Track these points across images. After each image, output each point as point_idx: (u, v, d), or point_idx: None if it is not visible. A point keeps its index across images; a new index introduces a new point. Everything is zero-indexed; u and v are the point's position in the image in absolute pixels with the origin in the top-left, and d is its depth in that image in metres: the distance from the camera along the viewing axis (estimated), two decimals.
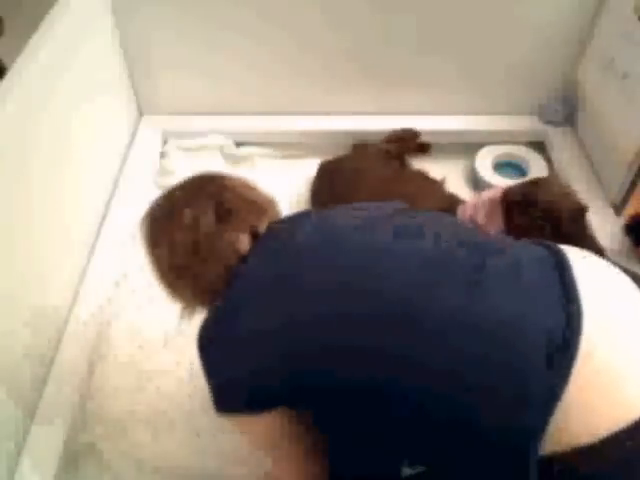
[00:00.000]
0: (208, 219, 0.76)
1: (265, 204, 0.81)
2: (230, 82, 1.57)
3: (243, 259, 0.75)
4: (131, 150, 1.56)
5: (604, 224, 1.31)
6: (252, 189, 0.83)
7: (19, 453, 0.97)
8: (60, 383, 1.06)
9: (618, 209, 1.35)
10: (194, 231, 0.75)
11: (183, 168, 1.54)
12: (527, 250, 0.70)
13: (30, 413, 1.02)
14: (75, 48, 1.23)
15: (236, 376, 0.71)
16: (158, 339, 1.19)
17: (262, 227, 0.78)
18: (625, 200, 1.33)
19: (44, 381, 1.06)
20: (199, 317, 1.22)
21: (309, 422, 0.76)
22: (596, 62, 1.45)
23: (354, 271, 0.68)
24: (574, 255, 0.67)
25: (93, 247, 1.30)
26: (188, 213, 0.76)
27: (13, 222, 0.98)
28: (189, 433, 1.06)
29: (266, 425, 0.73)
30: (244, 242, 0.76)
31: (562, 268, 0.64)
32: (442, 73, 1.54)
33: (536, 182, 1.08)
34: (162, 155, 1.60)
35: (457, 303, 0.63)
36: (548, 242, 0.71)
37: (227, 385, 0.72)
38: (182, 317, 0.84)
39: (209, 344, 0.74)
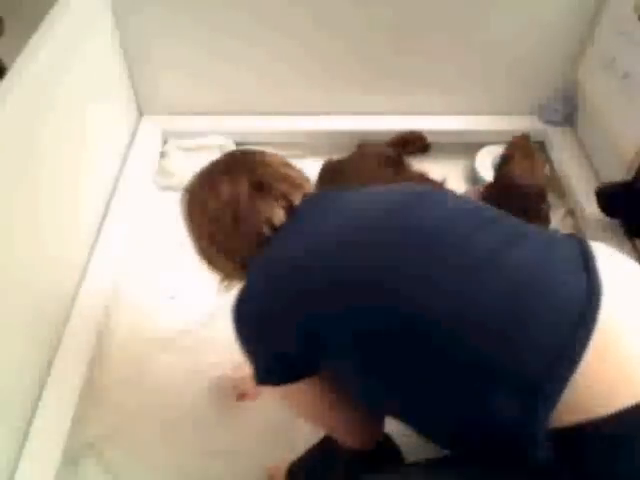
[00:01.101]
0: (243, 191, 0.78)
1: (300, 180, 0.83)
2: (230, 82, 1.57)
3: (275, 230, 0.77)
4: (131, 150, 1.56)
5: (604, 224, 1.32)
6: (287, 166, 0.85)
7: (19, 453, 0.97)
8: (60, 383, 1.07)
9: None
10: (230, 202, 0.78)
11: (183, 168, 1.54)
12: (553, 235, 0.72)
13: (30, 413, 1.02)
14: (75, 48, 1.23)
15: (264, 348, 0.72)
16: (160, 338, 1.19)
17: (296, 201, 0.79)
18: None
19: (44, 380, 1.06)
20: (197, 318, 1.23)
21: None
22: (596, 62, 1.45)
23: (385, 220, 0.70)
24: (596, 245, 0.69)
25: (93, 247, 1.30)
26: (224, 185, 0.79)
27: (13, 222, 0.98)
28: (190, 432, 1.07)
29: (305, 392, 0.73)
30: (278, 215, 0.78)
31: (585, 253, 0.65)
32: (442, 73, 1.54)
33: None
34: (162, 155, 1.60)
35: (493, 247, 0.64)
36: (573, 233, 0.72)
37: (258, 358, 0.73)
38: (219, 292, 0.86)
39: (239, 318, 0.74)
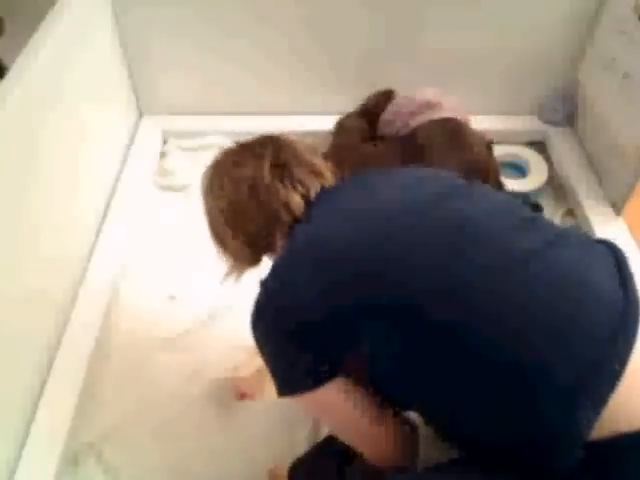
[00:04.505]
0: (265, 173, 0.77)
1: (322, 169, 0.81)
2: (230, 82, 1.57)
3: (296, 221, 0.76)
4: (131, 150, 1.56)
5: (604, 224, 1.32)
6: (313, 153, 0.84)
7: (19, 453, 0.97)
8: (60, 383, 1.07)
9: (618, 209, 1.35)
10: (250, 183, 0.77)
11: (183, 168, 1.54)
12: (588, 239, 0.71)
13: (30, 413, 1.02)
14: (75, 48, 1.23)
15: (287, 351, 0.68)
16: (160, 338, 1.19)
17: (314, 189, 0.78)
18: (625, 200, 1.32)
19: (44, 380, 1.06)
20: (197, 318, 1.22)
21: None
22: (596, 62, 1.45)
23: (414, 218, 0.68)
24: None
25: (93, 247, 1.30)
26: (248, 166, 0.78)
27: (13, 222, 0.98)
28: (190, 432, 1.06)
29: (332, 395, 0.69)
30: (296, 201, 0.76)
31: (621, 263, 0.65)
32: (442, 73, 1.54)
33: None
34: (162, 155, 1.60)
35: (532, 247, 0.63)
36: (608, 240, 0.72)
37: (281, 365, 0.70)
38: (224, 281, 0.84)
39: (258, 322, 0.71)
